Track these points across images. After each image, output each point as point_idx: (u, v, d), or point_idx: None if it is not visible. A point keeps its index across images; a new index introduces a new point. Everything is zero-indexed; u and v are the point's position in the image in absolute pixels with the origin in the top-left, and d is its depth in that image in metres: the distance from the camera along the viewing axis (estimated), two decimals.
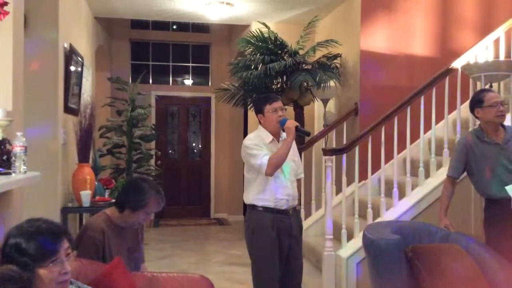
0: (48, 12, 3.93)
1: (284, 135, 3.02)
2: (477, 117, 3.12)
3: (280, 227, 2.93)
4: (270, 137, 2.97)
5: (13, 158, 2.27)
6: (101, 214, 2.48)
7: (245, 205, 3.11)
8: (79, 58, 4.64)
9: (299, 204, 4.80)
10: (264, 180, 2.91)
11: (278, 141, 3.00)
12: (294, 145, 3.04)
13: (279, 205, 2.93)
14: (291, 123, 2.90)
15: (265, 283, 2.96)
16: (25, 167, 2.29)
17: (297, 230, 3.05)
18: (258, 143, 2.94)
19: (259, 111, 3.03)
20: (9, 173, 2.25)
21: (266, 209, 2.93)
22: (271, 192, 2.91)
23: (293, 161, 3.04)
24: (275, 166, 2.85)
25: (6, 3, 2.06)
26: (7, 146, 2.31)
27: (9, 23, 2.39)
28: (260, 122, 3.05)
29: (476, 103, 3.06)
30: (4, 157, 2.28)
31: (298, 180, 3.18)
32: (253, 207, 2.98)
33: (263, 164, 2.84)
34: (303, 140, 5.18)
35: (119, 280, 2.06)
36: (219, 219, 7.99)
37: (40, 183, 2.61)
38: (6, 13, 2.07)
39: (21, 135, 2.31)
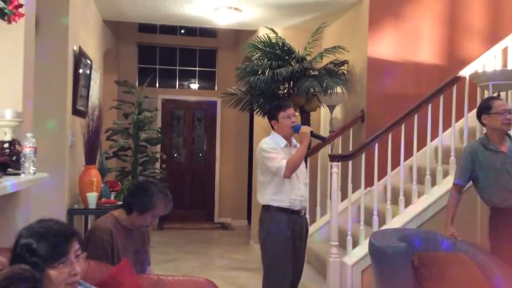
0: (58, 15, 3.96)
1: (295, 140, 3.22)
2: (483, 124, 3.13)
3: (294, 227, 3.11)
4: (284, 142, 3.15)
5: (23, 159, 2.28)
6: (108, 216, 2.49)
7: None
8: (88, 61, 4.66)
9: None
10: (280, 182, 3.07)
11: (290, 146, 3.19)
12: None
13: (293, 206, 3.10)
14: (306, 128, 3.10)
15: (277, 283, 3.07)
16: (34, 168, 2.30)
17: (305, 232, 3.25)
18: (275, 147, 3.10)
19: (272, 117, 3.20)
20: (18, 174, 2.26)
21: (280, 209, 3.08)
22: (286, 193, 3.08)
23: (303, 165, 3.23)
24: (293, 168, 3.02)
25: (21, 5, 2.07)
26: (17, 147, 2.33)
27: (21, 25, 2.41)
28: (273, 128, 3.22)
29: (484, 109, 3.07)
30: (14, 158, 2.29)
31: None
32: (268, 207, 3.13)
33: (282, 167, 3.00)
34: (309, 145, 5.18)
35: (126, 282, 2.06)
36: (223, 224, 7.99)
37: (47, 184, 2.63)
38: (22, 15, 2.09)
39: (31, 136, 2.32)
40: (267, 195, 3.11)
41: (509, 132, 3.09)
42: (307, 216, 4.78)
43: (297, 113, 3.43)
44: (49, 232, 1.58)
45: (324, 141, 3.51)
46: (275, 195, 3.08)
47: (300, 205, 3.13)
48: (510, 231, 2.96)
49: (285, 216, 3.07)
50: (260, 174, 3.17)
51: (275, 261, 3.06)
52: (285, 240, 3.05)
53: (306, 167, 4.65)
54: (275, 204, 3.08)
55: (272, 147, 3.09)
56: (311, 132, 3.07)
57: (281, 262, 3.04)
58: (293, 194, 3.08)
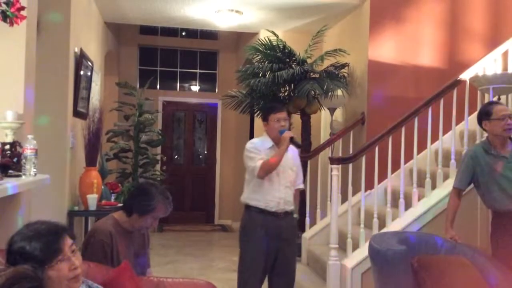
0: (60, 16, 3.97)
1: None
2: (484, 130, 3.12)
3: (269, 227, 3.11)
4: (271, 144, 3.19)
5: (24, 160, 2.29)
6: (109, 218, 2.49)
7: None
8: (89, 63, 4.67)
9: (304, 213, 4.81)
10: (258, 182, 3.14)
11: (278, 148, 3.17)
12: (296, 156, 3.30)
13: (269, 207, 3.12)
14: (287, 134, 3.11)
15: (248, 282, 3.12)
16: (35, 170, 2.31)
17: (288, 234, 3.20)
18: (258, 147, 3.16)
19: (264, 118, 3.27)
20: (19, 175, 2.27)
21: (256, 209, 3.14)
22: (263, 194, 3.13)
23: (291, 169, 3.22)
24: (266, 170, 3.07)
25: (23, 8, 2.09)
26: (18, 148, 2.34)
27: (23, 27, 2.42)
28: (265, 129, 3.27)
29: (484, 115, 3.06)
30: (15, 160, 2.30)
31: (297, 190, 3.33)
32: (247, 206, 3.21)
33: (256, 167, 3.08)
34: (309, 148, 5.19)
35: (127, 284, 2.06)
36: (223, 226, 7.99)
37: (48, 186, 2.63)
38: (24, 17, 2.10)
39: (32, 138, 2.33)
40: (246, 193, 3.22)
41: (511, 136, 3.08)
42: (307, 218, 4.88)
43: (288, 118, 3.44)
44: (39, 233, 1.57)
45: (299, 147, 3.55)
46: (252, 194, 3.16)
47: (277, 207, 3.12)
48: (511, 234, 2.96)
49: (259, 216, 3.12)
50: (246, 173, 3.26)
51: (247, 257, 3.14)
52: (257, 240, 3.10)
53: (306, 171, 4.64)
54: (252, 203, 3.16)
55: (254, 147, 3.16)
56: (291, 138, 3.10)
57: (251, 260, 3.11)
58: (270, 195, 3.12)
